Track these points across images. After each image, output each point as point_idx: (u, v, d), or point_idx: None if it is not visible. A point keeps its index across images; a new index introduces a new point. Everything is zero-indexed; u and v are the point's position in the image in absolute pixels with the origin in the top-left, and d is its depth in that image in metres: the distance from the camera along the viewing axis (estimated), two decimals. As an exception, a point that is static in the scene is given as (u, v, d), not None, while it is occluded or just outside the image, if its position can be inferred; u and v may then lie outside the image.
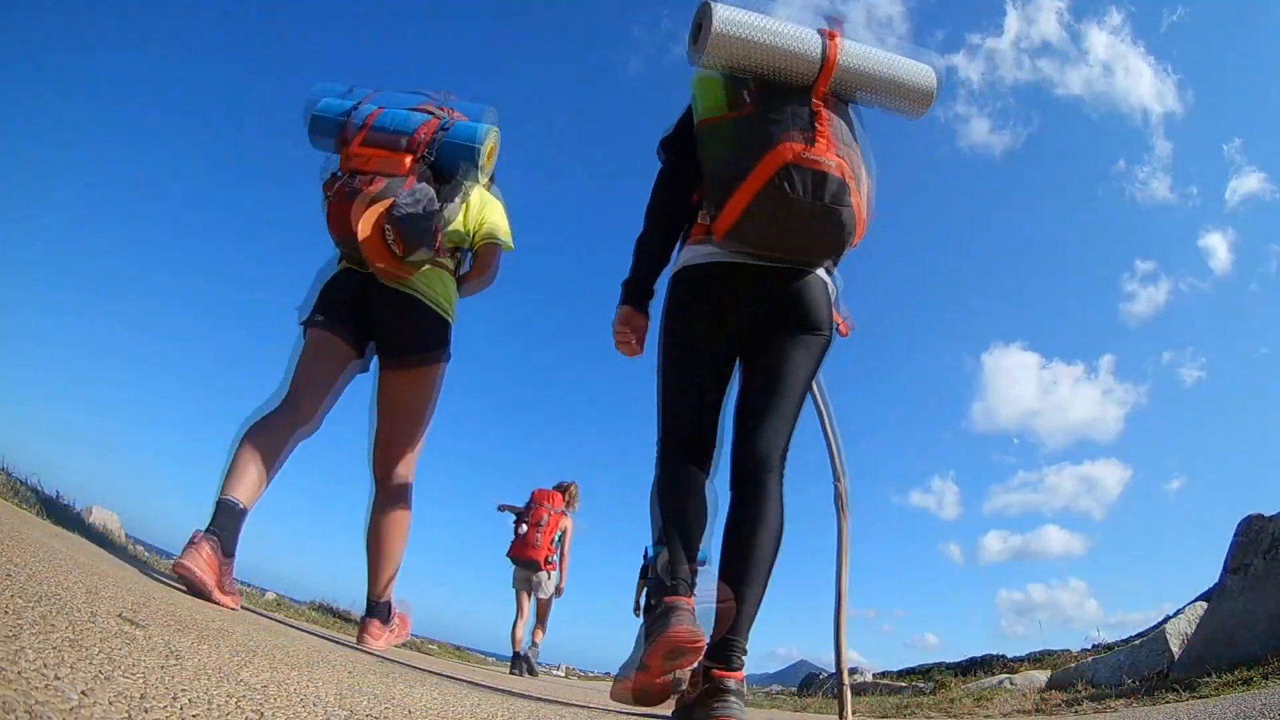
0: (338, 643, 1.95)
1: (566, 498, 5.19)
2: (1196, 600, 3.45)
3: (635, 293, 1.51)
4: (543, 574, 4.91)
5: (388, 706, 0.84)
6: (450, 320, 2.01)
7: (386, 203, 1.69)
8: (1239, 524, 2.87)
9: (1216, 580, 2.97)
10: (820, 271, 1.46)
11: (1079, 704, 2.63)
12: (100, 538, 2.78)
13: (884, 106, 1.52)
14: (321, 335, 1.83)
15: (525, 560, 4.87)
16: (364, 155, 1.79)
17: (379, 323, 1.88)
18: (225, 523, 1.58)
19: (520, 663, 4.83)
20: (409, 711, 0.85)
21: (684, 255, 1.48)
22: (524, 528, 4.92)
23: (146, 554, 3.23)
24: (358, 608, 5.35)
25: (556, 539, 5.00)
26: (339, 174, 1.81)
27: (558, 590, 5.04)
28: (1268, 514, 2.78)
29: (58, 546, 1.21)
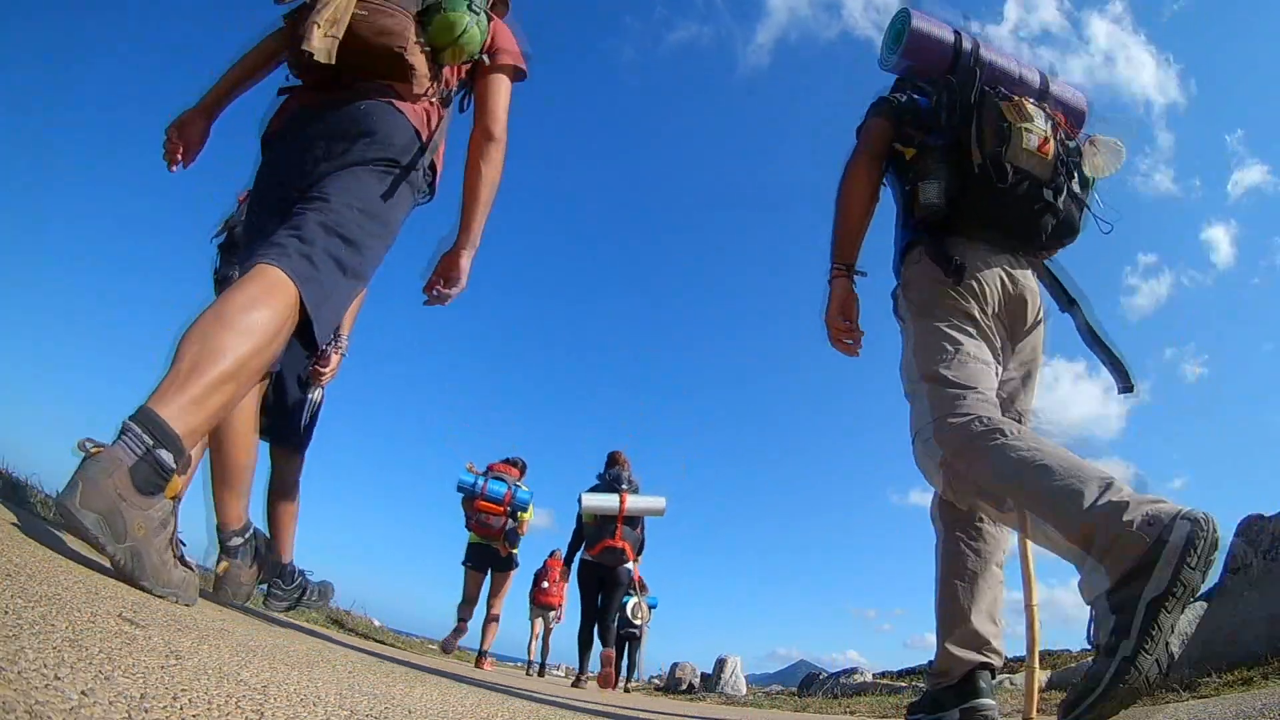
0: (337, 643, 1.96)
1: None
2: (1197, 600, 3.45)
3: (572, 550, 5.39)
4: (554, 611, 7.71)
5: (387, 706, 0.84)
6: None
7: (503, 526, 4.77)
8: (1239, 524, 2.86)
9: (1217, 580, 2.97)
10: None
11: (1079, 704, 2.62)
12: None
13: (645, 516, 4.87)
14: (468, 570, 4.96)
15: (546, 604, 7.70)
16: (483, 508, 4.71)
17: (491, 563, 4.92)
18: (461, 624, 5.06)
19: (535, 668, 7.77)
20: (409, 711, 0.85)
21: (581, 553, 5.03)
22: (545, 583, 7.72)
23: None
24: (357, 608, 5.60)
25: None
26: (474, 511, 4.77)
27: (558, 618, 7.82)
28: (1268, 514, 2.77)
29: (58, 546, 1.21)
